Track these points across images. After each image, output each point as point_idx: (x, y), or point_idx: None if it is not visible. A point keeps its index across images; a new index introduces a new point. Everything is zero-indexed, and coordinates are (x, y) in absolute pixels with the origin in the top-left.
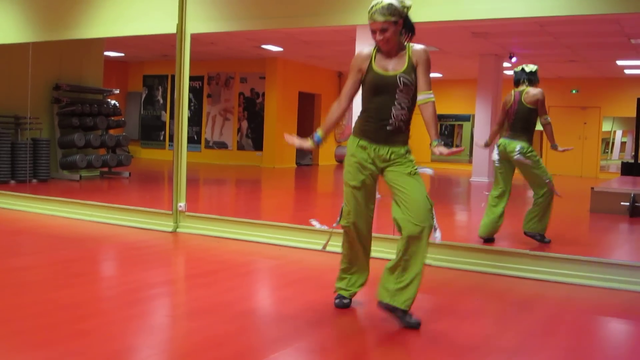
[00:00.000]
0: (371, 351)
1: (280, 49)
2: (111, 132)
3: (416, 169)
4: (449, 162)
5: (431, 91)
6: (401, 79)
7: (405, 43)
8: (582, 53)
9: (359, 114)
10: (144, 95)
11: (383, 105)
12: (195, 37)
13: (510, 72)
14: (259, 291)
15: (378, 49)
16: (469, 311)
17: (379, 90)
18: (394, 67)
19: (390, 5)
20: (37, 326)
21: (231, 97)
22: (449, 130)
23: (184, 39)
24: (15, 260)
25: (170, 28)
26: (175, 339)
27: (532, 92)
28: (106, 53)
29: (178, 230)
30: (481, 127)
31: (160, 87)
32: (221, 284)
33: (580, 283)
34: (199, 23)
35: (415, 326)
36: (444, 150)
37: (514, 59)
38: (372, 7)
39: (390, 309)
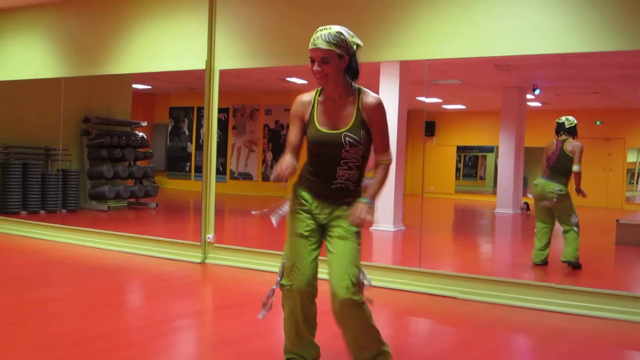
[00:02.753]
0: None
1: (305, 82)
2: (139, 163)
3: (354, 232)
4: (473, 193)
5: (388, 152)
6: (346, 138)
7: (356, 87)
8: (605, 85)
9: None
10: (170, 127)
11: (327, 164)
12: (221, 71)
13: (534, 104)
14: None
15: (320, 93)
16: (494, 344)
17: (322, 149)
18: (337, 123)
19: (339, 34)
20: (71, 356)
21: (256, 128)
22: (472, 161)
23: (212, 74)
24: (47, 291)
25: (199, 64)
26: None
27: (574, 142)
28: (133, 85)
29: (206, 261)
30: (505, 158)
31: (186, 119)
32: (250, 315)
33: (605, 316)
34: (227, 59)
35: None
36: (359, 214)
37: (537, 91)
38: (316, 32)
39: None
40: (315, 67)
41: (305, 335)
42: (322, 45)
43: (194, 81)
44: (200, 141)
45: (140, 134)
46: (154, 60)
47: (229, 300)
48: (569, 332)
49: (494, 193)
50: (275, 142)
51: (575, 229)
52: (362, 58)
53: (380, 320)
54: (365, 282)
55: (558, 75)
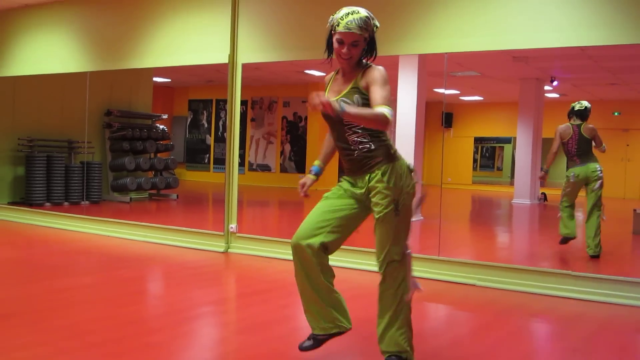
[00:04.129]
0: None
1: (323, 74)
2: (159, 155)
3: (388, 209)
4: (490, 184)
5: (384, 105)
6: (340, 103)
7: (364, 64)
8: (623, 76)
9: None
10: (189, 119)
11: (340, 135)
12: (242, 64)
13: (552, 95)
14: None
15: (337, 72)
16: (512, 329)
17: (328, 121)
18: (338, 92)
19: (367, 18)
20: (107, 339)
21: (274, 120)
22: (489, 152)
23: (235, 68)
24: (75, 279)
25: (222, 58)
26: (233, 353)
27: (589, 126)
28: (153, 78)
29: (229, 250)
30: (522, 149)
31: (205, 111)
32: (274, 301)
33: (622, 303)
34: (250, 53)
35: None
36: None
37: (555, 83)
38: (346, 15)
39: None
40: (345, 50)
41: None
42: (356, 30)
43: (212, 74)
44: (219, 133)
45: (161, 126)
46: (177, 54)
47: (252, 287)
48: (586, 318)
49: (511, 184)
50: (294, 134)
51: (602, 215)
52: (382, 51)
53: None
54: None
55: (576, 67)
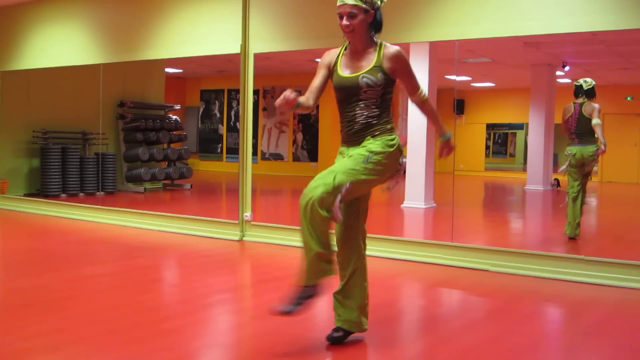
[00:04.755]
0: (432, 349)
1: None
2: (173, 145)
3: (368, 155)
4: (503, 170)
5: (420, 89)
6: (364, 79)
7: (377, 41)
8: (635, 60)
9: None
10: (201, 110)
11: (349, 108)
12: (254, 53)
13: (564, 81)
14: (325, 295)
15: (346, 47)
16: (525, 313)
17: (344, 93)
18: (358, 67)
19: None
20: (127, 326)
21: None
22: (502, 138)
23: (247, 58)
24: (94, 268)
25: (234, 48)
26: (250, 338)
27: (592, 104)
28: (165, 69)
29: (244, 239)
30: (535, 135)
31: (217, 101)
32: (289, 288)
33: (635, 287)
34: (262, 43)
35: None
36: (450, 145)
37: (567, 68)
38: None
39: None
40: (344, 22)
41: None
42: (349, 0)
43: (224, 64)
44: (231, 123)
45: (174, 117)
46: (189, 44)
47: (268, 274)
48: (598, 302)
49: (524, 170)
50: (306, 123)
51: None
52: (393, 39)
53: (415, 291)
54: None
55: (587, 52)
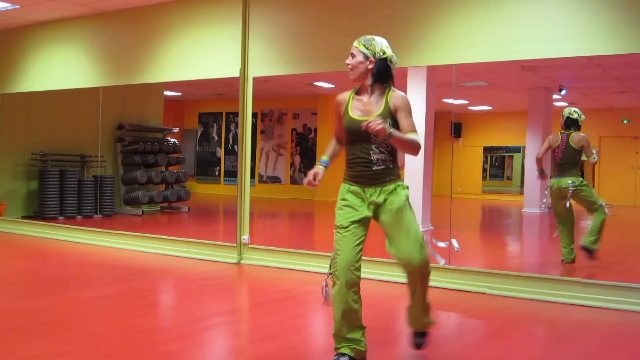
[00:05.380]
0: None
1: (332, 86)
2: (171, 168)
3: (405, 202)
4: (500, 193)
5: (415, 132)
6: (390, 128)
7: (387, 87)
8: (631, 84)
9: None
10: (199, 132)
11: (362, 149)
12: (254, 77)
13: (560, 104)
14: (323, 318)
15: (356, 92)
16: (522, 336)
17: (354, 135)
18: (368, 112)
19: (370, 39)
20: (125, 349)
21: (284, 133)
22: (499, 161)
23: (246, 82)
24: (92, 291)
25: (233, 72)
26: None
27: (580, 135)
28: (164, 92)
29: (242, 262)
30: (532, 158)
31: (215, 124)
32: (287, 312)
33: (631, 309)
34: (261, 67)
35: (417, 346)
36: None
37: (563, 92)
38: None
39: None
40: (347, 60)
41: (343, 328)
42: (355, 43)
43: (223, 87)
44: (229, 146)
45: (172, 139)
46: (188, 68)
47: (266, 297)
48: (595, 324)
49: (521, 193)
50: (303, 146)
51: (605, 210)
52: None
53: None
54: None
55: (584, 76)
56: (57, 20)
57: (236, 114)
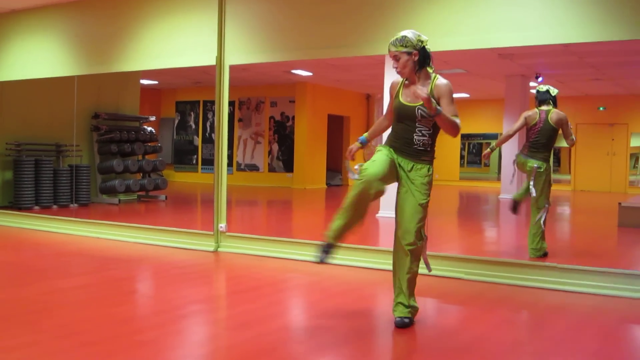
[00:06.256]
0: (407, 358)
1: (310, 74)
2: (147, 157)
3: (425, 184)
4: (477, 180)
5: (457, 117)
6: (419, 111)
7: (432, 74)
8: (607, 71)
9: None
10: (176, 121)
11: (406, 130)
12: (230, 65)
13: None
14: (300, 305)
15: (403, 80)
16: (499, 320)
17: (402, 118)
18: (415, 99)
19: (403, 37)
20: (101, 338)
21: (262, 120)
22: (476, 148)
23: (223, 70)
24: (68, 281)
25: (209, 60)
26: (224, 349)
27: (559, 113)
28: (141, 81)
29: (219, 249)
30: (509, 145)
31: (192, 113)
32: (264, 299)
33: (606, 294)
34: (237, 55)
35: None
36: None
37: (540, 79)
38: (391, 39)
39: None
40: (393, 65)
41: (350, 216)
42: (392, 48)
43: (200, 75)
44: (207, 134)
45: (149, 128)
46: (164, 56)
47: (243, 285)
48: (570, 309)
49: (498, 179)
50: (281, 134)
51: (541, 217)
52: (368, 51)
53: (390, 301)
54: (424, 236)
55: (560, 63)
56: (31, 9)
57: (214, 102)
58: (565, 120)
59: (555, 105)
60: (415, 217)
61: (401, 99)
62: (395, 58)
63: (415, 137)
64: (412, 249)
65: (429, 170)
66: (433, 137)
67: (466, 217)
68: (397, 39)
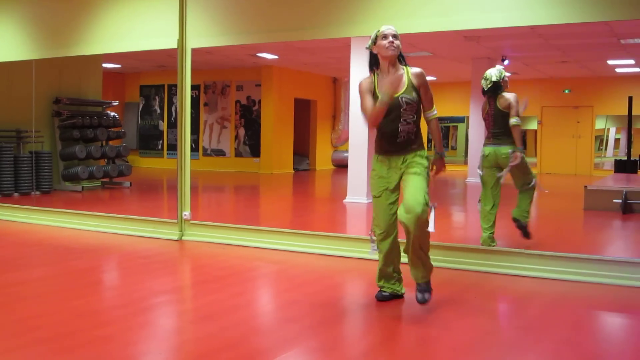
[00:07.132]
0: (377, 348)
1: (276, 57)
2: (111, 143)
3: (424, 169)
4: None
5: (434, 108)
6: (403, 99)
7: (403, 65)
8: (573, 54)
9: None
10: (141, 106)
11: (391, 123)
12: (193, 49)
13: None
14: (266, 295)
15: (375, 75)
16: (468, 308)
17: (387, 112)
18: (394, 90)
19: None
20: (59, 334)
21: (228, 105)
22: (443, 131)
23: (184, 53)
24: (26, 273)
25: (171, 43)
26: (188, 342)
27: (505, 96)
28: (103, 65)
29: (183, 238)
30: (476, 128)
31: (157, 97)
32: (229, 289)
33: (574, 279)
34: (199, 38)
35: (421, 301)
36: (439, 165)
37: (506, 62)
38: (384, 26)
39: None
40: (390, 40)
41: (388, 269)
42: (392, 27)
43: (164, 59)
44: (172, 119)
45: (112, 113)
46: (125, 39)
47: (208, 275)
48: (539, 294)
49: (466, 163)
50: (248, 118)
51: (532, 187)
52: (333, 34)
53: (357, 289)
54: (431, 205)
55: (526, 45)
56: None
57: None
58: (514, 99)
59: (503, 89)
60: (420, 188)
61: (380, 95)
62: (395, 37)
63: (400, 127)
64: (423, 214)
65: (421, 153)
66: (417, 123)
67: (433, 201)
68: (391, 26)
